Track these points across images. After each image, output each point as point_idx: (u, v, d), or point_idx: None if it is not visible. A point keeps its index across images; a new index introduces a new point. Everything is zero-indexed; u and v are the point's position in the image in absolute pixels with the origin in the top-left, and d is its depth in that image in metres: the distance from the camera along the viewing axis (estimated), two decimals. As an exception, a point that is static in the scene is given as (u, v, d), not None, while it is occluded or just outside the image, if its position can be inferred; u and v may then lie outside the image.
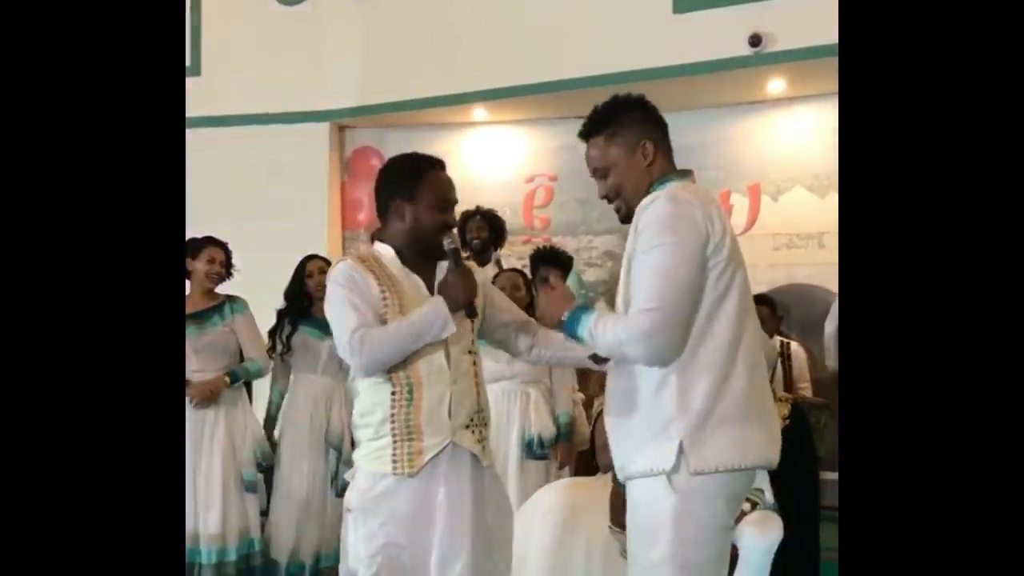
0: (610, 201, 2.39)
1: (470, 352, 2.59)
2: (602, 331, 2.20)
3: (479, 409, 2.58)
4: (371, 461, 2.51)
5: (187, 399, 4.19)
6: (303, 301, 4.70)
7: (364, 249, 2.70)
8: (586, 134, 2.40)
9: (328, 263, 4.75)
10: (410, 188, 2.58)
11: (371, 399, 2.52)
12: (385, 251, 2.61)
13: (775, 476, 3.61)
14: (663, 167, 2.32)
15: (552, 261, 4.65)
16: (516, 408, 4.16)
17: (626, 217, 2.32)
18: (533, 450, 4.13)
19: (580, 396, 4.49)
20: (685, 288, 2.11)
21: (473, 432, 2.54)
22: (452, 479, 2.49)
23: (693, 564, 2.14)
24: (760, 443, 2.20)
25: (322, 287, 2.70)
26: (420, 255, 2.59)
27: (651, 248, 2.13)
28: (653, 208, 2.17)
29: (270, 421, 4.72)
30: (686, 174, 2.33)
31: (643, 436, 2.19)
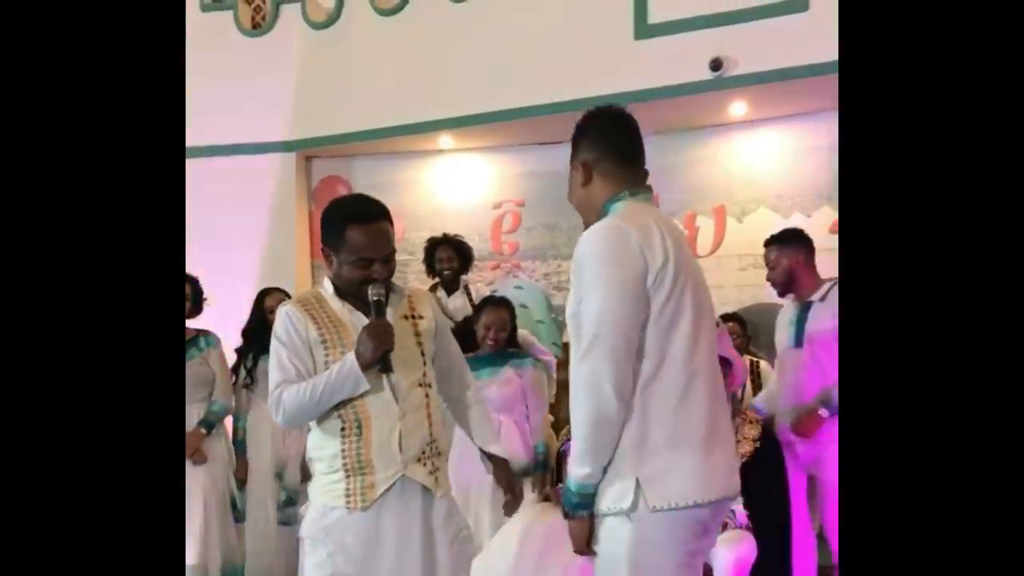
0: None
1: (421, 385, 2.59)
2: (574, 452, 2.10)
3: (431, 440, 2.58)
4: (324, 494, 2.55)
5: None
6: (266, 336, 4.71)
7: (311, 288, 2.70)
8: None
9: (286, 294, 4.78)
10: (333, 240, 2.57)
11: (323, 434, 2.56)
12: (327, 289, 2.63)
13: (747, 497, 3.64)
14: (606, 188, 2.27)
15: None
16: None
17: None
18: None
19: (549, 418, 4.49)
20: (623, 322, 2.05)
21: (425, 464, 2.55)
22: (402, 511, 2.51)
23: None
24: (723, 473, 2.14)
25: None
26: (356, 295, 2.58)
27: (588, 289, 2.10)
28: (588, 243, 2.14)
29: (240, 445, 4.80)
30: (639, 192, 2.27)
31: None
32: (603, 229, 2.15)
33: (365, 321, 2.54)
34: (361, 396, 2.50)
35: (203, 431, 4.42)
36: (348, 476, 2.50)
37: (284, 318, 2.57)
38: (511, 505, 2.89)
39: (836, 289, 3.91)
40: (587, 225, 2.27)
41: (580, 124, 2.37)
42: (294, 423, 2.56)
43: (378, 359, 2.48)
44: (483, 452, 2.82)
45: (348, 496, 2.49)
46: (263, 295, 4.90)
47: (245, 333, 4.88)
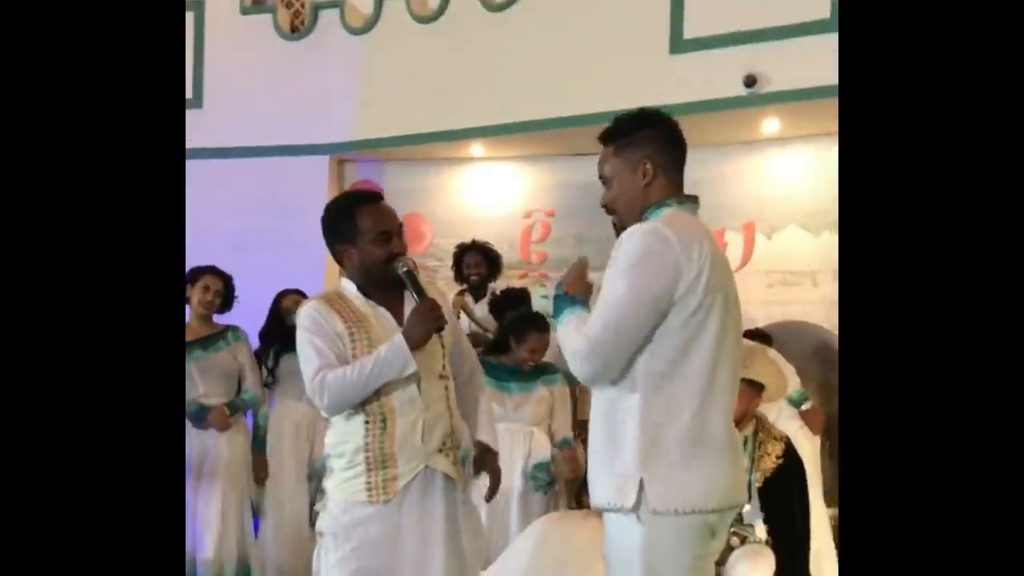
0: (608, 212, 2.40)
1: (442, 377, 2.64)
2: (564, 332, 2.25)
3: (451, 432, 2.62)
4: (344, 490, 2.57)
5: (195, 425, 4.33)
6: (283, 336, 4.67)
7: (332, 287, 2.74)
8: (601, 140, 2.39)
9: (302, 295, 4.81)
10: (346, 230, 2.64)
11: (344, 429, 2.59)
12: (349, 287, 2.68)
13: (768, 512, 3.64)
14: (663, 190, 2.30)
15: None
16: (520, 447, 4.18)
17: (620, 232, 2.32)
18: (528, 480, 4.16)
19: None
20: (628, 326, 2.13)
21: (447, 455, 2.60)
22: (424, 503, 2.55)
23: None
24: (727, 485, 2.17)
25: None
26: (382, 287, 2.64)
27: (614, 279, 2.17)
28: (629, 241, 2.19)
29: (260, 442, 4.79)
30: (686, 201, 2.32)
31: (606, 466, 2.19)
32: (645, 231, 2.19)
33: (388, 315, 2.61)
34: (388, 390, 2.53)
35: (227, 411, 4.44)
36: (369, 470, 2.53)
37: (311, 311, 2.60)
38: (492, 490, 2.79)
39: None
40: (624, 228, 2.29)
41: (640, 121, 2.35)
42: (339, 407, 2.55)
43: (426, 340, 2.54)
44: (475, 439, 2.76)
45: (370, 490, 2.52)
46: (280, 296, 4.97)
47: (262, 334, 4.93)
